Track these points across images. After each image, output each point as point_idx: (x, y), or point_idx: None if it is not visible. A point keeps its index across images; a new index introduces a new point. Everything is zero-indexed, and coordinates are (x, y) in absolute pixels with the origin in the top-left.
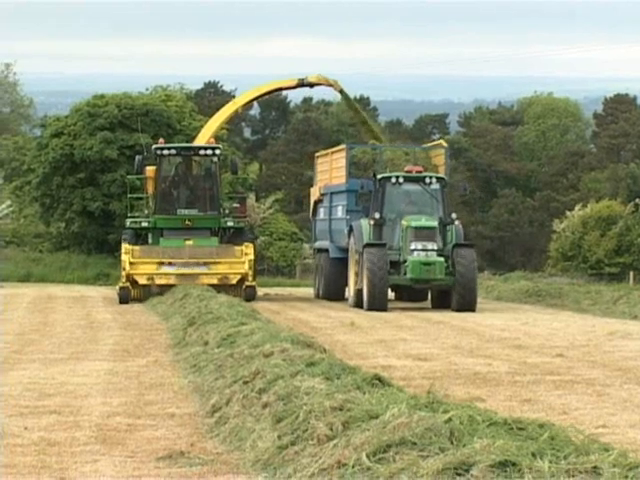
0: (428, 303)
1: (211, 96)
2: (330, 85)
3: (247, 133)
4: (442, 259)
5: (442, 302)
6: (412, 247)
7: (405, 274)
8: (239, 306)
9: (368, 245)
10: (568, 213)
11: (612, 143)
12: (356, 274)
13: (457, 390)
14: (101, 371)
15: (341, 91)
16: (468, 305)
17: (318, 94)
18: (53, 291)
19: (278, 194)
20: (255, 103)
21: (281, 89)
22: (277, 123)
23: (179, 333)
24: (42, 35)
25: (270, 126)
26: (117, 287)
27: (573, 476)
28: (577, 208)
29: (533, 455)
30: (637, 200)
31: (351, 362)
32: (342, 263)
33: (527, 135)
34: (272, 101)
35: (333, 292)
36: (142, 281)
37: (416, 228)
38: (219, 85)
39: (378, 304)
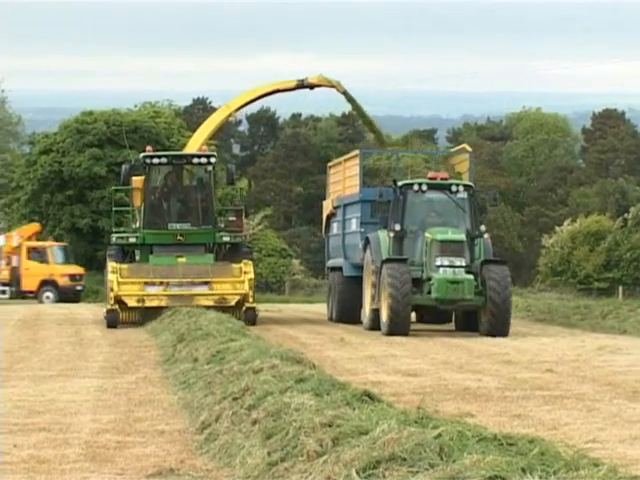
0: (452, 325)
1: (200, 112)
2: (332, 86)
3: (236, 149)
4: (472, 277)
5: (468, 325)
6: (437, 263)
7: (429, 293)
8: (228, 322)
9: (388, 260)
10: (557, 228)
11: (601, 158)
12: (372, 294)
13: (447, 406)
14: (90, 388)
15: (345, 92)
16: (501, 329)
17: (307, 109)
18: (42, 308)
19: (267, 210)
20: (244, 120)
21: (279, 91)
22: (266, 139)
23: (168, 350)
24: (30, 52)
25: (259, 142)
26: (104, 310)
27: None
28: (566, 223)
29: (523, 470)
30: (626, 215)
31: (341, 378)
32: (357, 282)
33: (516, 150)
34: (261, 117)
35: (348, 314)
36: (131, 303)
37: (442, 242)
38: (208, 101)
39: (400, 328)
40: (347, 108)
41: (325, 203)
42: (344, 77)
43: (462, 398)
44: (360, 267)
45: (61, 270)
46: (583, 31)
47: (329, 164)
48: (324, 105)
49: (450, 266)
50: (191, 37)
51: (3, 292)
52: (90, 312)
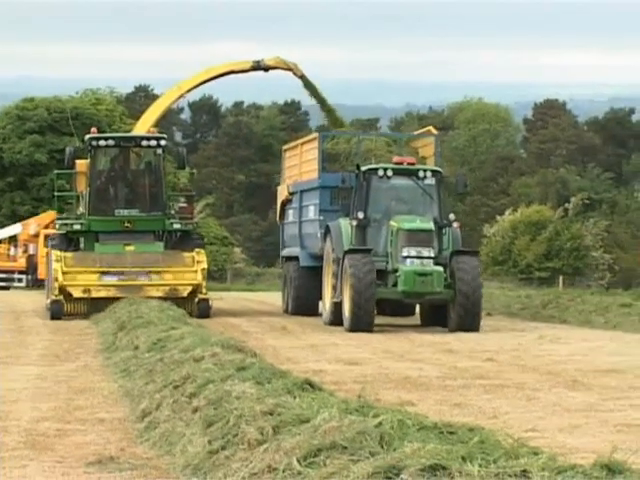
0: (416, 318)
1: (142, 100)
2: (289, 69)
3: (178, 137)
4: (441, 269)
5: (434, 319)
6: (404, 254)
7: (395, 286)
8: (169, 310)
9: (351, 251)
10: (498, 218)
11: (542, 148)
12: (333, 286)
13: (388, 394)
14: (30, 376)
15: (302, 76)
16: (471, 324)
17: (249, 97)
18: None
19: (209, 198)
20: (186, 107)
21: (233, 72)
22: (208, 127)
23: (109, 337)
24: None
25: (201, 130)
26: (48, 301)
27: (503, 479)
28: (507, 213)
29: (463, 459)
30: (566, 205)
31: (282, 366)
32: (315, 273)
33: (457, 140)
34: (203, 104)
35: (305, 307)
36: (77, 294)
37: (409, 231)
38: (150, 89)
39: (363, 323)
40: (289, 96)
41: (280, 188)
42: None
43: (403, 387)
44: (318, 257)
45: None
46: (526, 24)
47: (284, 147)
48: (266, 92)
49: (418, 257)
50: (133, 25)
51: (20, 280)
52: (30, 300)
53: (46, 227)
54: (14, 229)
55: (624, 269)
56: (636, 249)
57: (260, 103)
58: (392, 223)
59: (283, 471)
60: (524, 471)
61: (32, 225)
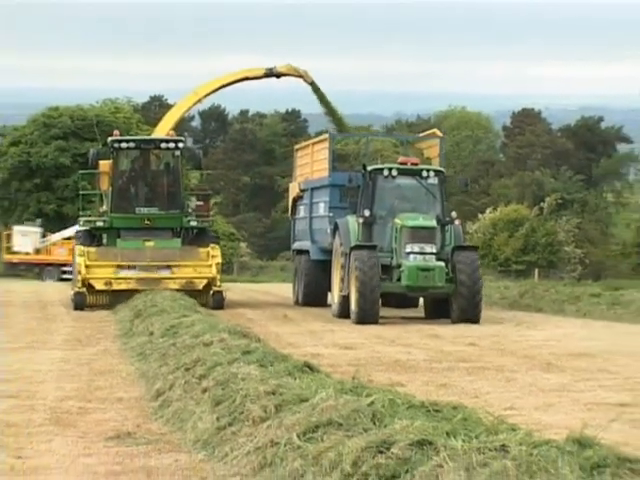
0: (419, 310)
1: (156, 109)
2: (300, 76)
3: (189, 142)
4: (442, 264)
5: (438, 312)
6: (408, 250)
7: (399, 280)
8: (181, 300)
9: (357, 247)
10: (480, 216)
11: (519, 153)
12: (342, 279)
13: (379, 376)
14: (55, 359)
15: (312, 83)
16: (472, 316)
17: (254, 106)
18: (12, 286)
19: (217, 198)
20: (197, 115)
21: (247, 78)
22: (216, 133)
23: (126, 324)
24: None
25: (210, 136)
26: (71, 292)
27: (483, 453)
28: (488, 211)
29: (447, 434)
30: (541, 204)
31: (283, 351)
32: (324, 266)
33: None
34: (212, 113)
35: (314, 298)
36: (99, 286)
37: (413, 228)
38: (164, 99)
39: (369, 316)
40: (290, 105)
41: (292, 185)
42: (289, 78)
43: (393, 369)
44: (327, 251)
45: None
46: (504, 40)
47: (296, 147)
48: (269, 102)
49: (420, 253)
50: (148, 41)
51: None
52: (55, 289)
53: None
54: (73, 231)
55: (594, 262)
56: (605, 244)
57: (263, 112)
58: (396, 220)
59: (284, 445)
60: (503, 445)
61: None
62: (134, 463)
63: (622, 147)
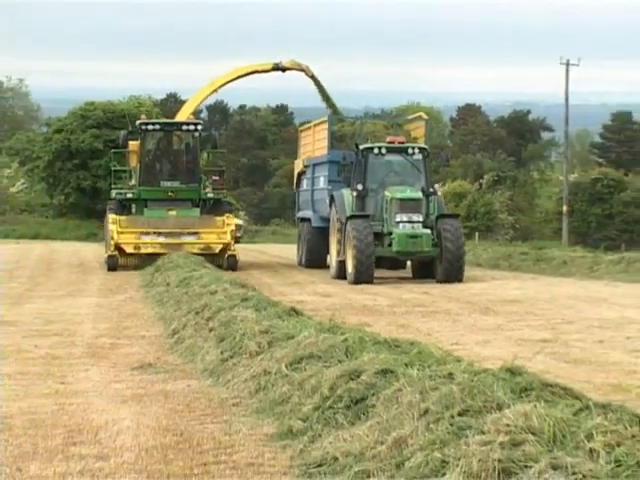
0: (408, 272)
1: (172, 104)
2: (302, 70)
3: None
4: (429, 231)
5: (424, 272)
6: (397, 219)
7: (390, 246)
8: (192, 257)
9: (352, 217)
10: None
11: (463, 139)
12: (338, 243)
13: (351, 318)
14: (91, 304)
15: (312, 76)
16: (455, 276)
17: (250, 101)
18: (55, 246)
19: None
20: (204, 108)
21: (257, 72)
22: (220, 124)
23: (148, 277)
24: (47, 57)
25: (215, 126)
26: (105, 255)
27: (434, 380)
28: (438, 186)
29: (406, 365)
30: (481, 181)
31: (274, 298)
32: (324, 232)
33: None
34: (216, 107)
35: (315, 260)
36: (129, 250)
37: (401, 200)
38: (178, 95)
39: (365, 277)
40: (279, 101)
41: (296, 162)
42: (281, 77)
43: (362, 313)
44: (326, 219)
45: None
46: (449, 47)
47: (300, 128)
48: (263, 98)
49: (409, 222)
50: (166, 47)
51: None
52: (90, 249)
53: None
54: None
55: (523, 227)
56: (531, 213)
57: (258, 106)
58: (386, 193)
59: (275, 374)
60: (450, 374)
61: None
62: (154, 387)
63: (545, 135)
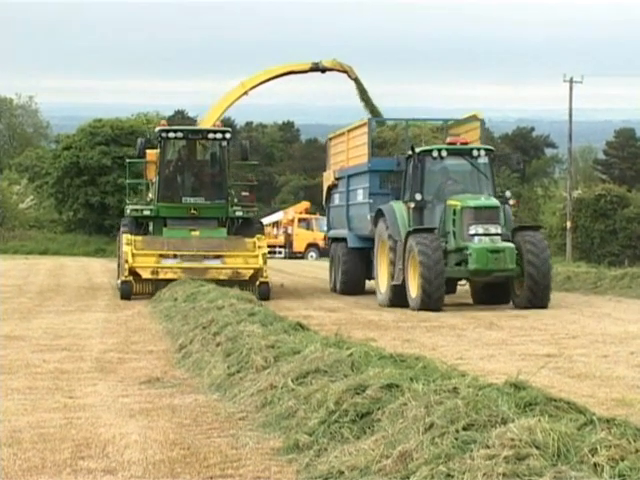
0: (460, 296)
1: (179, 121)
2: (344, 71)
3: None
4: (512, 245)
5: (491, 296)
6: (472, 231)
7: (459, 265)
8: None
9: (417, 231)
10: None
11: None
12: (391, 265)
13: (357, 333)
14: (99, 319)
15: (356, 79)
16: (541, 300)
17: (257, 119)
18: (64, 262)
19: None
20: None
21: (293, 72)
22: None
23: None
24: (55, 76)
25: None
26: (118, 281)
27: (439, 394)
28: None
29: (411, 379)
30: None
31: (280, 313)
32: (363, 253)
33: None
34: (224, 124)
35: (352, 285)
36: (145, 275)
37: (476, 209)
38: (185, 112)
39: (434, 301)
40: (285, 118)
41: (326, 174)
42: (289, 93)
43: (368, 327)
44: (366, 239)
45: (321, 235)
46: (454, 64)
47: (329, 136)
48: (269, 115)
49: (486, 234)
50: (174, 66)
51: (280, 252)
52: (99, 264)
53: (300, 213)
54: (277, 216)
55: None
56: None
57: (265, 123)
58: (452, 202)
59: (281, 388)
60: (455, 388)
61: (290, 212)
62: (162, 402)
63: (549, 151)
